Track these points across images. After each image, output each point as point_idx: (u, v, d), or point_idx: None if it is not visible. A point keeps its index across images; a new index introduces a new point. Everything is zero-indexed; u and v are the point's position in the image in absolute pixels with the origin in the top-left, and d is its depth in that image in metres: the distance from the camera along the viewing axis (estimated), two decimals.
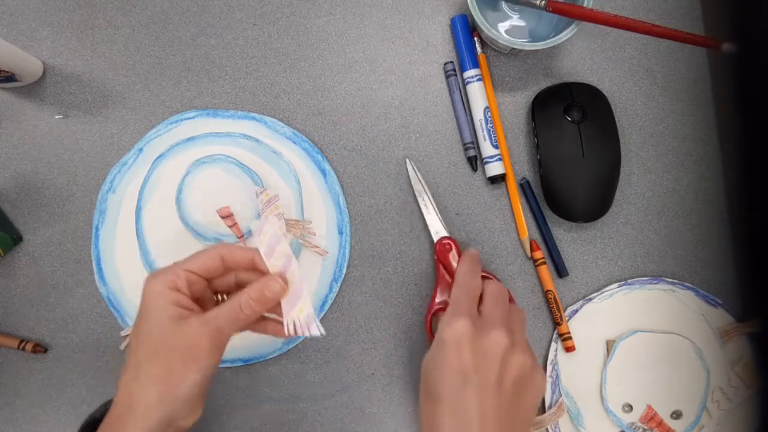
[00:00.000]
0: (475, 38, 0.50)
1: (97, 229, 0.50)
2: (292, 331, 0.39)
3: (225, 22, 0.51)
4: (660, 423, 0.47)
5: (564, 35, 0.45)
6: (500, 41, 0.45)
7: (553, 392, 0.48)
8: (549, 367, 0.49)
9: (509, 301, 0.44)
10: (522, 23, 0.50)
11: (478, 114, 0.49)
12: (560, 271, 0.49)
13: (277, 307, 0.39)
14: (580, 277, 0.50)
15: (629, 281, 0.49)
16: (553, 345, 0.49)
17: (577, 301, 0.50)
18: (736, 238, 0.49)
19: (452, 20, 0.50)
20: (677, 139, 0.51)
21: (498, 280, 0.47)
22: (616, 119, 0.49)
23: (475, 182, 0.50)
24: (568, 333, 0.48)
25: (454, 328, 0.39)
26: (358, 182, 0.50)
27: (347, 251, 0.49)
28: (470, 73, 0.49)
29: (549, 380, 0.49)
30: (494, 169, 0.49)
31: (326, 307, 0.49)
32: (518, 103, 0.51)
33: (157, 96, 0.51)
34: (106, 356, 0.49)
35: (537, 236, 0.50)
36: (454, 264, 0.47)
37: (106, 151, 0.51)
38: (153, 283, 0.37)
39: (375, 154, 0.50)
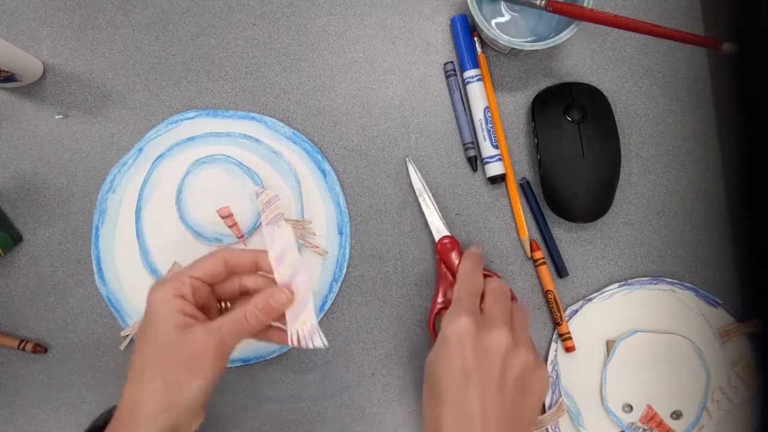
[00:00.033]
0: (475, 38, 0.50)
1: (97, 229, 0.50)
2: (295, 342, 0.39)
3: (225, 22, 0.51)
4: (660, 423, 0.47)
5: (564, 35, 0.45)
6: (500, 41, 0.45)
7: (553, 392, 0.48)
8: (549, 367, 0.49)
9: (511, 299, 0.44)
10: (522, 23, 0.50)
11: (478, 114, 0.49)
12: (560, 271, 0.49)
13: (281, 316, 0.40)
14: (580, 277, 0.50)
15: (629, 281, 0.49)
16: (553, 345, 0.49)
17: (577, 301, 0.50)
18: (736, 238, 0.49)
19: (452, 20, 0.50)
20: (677, 139, 0.51)
21: (500, 277, 0.47)
22: (616, 119, 0.49)
23: (475, 182, 0.50)
24: (568, 333, 0.48)
25: (457, 326, 0.39)
26: (358, 182, 0.50)
27: (347, 251, 0.49)
28: (470, 73, 0.50)
29: (549, 380, 0.49)
30: (494, 169, 0.49)
31: (326, 307, 0.49)
32: (518, 103, 0.51)
33: (157, 96, 0.51)
34: (106, 356, 0.49)
35: (537, 236, 0.50)
36: (456, 263, 0.47)
37: (106, 151, 0.51)
38: (158, 290, 0.37)
39: (375, 154, 0.50)
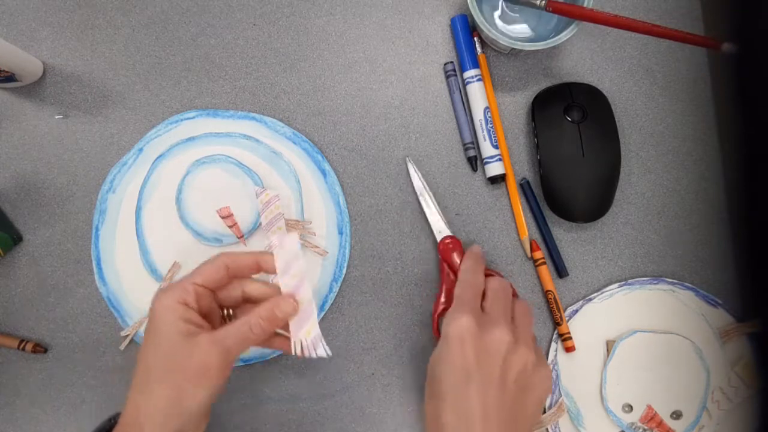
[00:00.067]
0: (475, 38, 0.50)
1: (97, 229, 0.50)
2: (299, 352, 0.39)
3: (225, 22, 0.51)
4: (660, 423, 0.47)
5: (564, 35, 0.45)
6: (500, 41, 0.45)
7: (553, 392, 0.48)
8: None
9: (513, 297, 0.44)
10: (522, 23, 0.50)
11: (478, 114, 0.49)
12: (560, 271, 0.49)
13: (285, 324, 0.40)
14: (580, 277, 0.50)
15: (629, 281, 0.49)
16: (553, 345, 0.49)
17: (577, 301, 0.50)
18: (736, 238, 0.49)
19: (452, 20, 0.50)
20: (677, 139, 0.51)
21: (502, 276, 0.47)
22: (616, 119, 0.49)
23: (475, 182, 0.50)
24: (568, 333, 0.48)
25: (458, 325, 0.39)
26: (358, 182, 0.50)
27: (347, 251, 0.49)
28: (470, 73, 0.49)
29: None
30: (494, 169, 0.49)
31: (326, 307, 0.49)
32: (518, 103, 0.51)
33: (157, 96, 0.51)
34: (106, 356, 0.49)
35: (537, 236, 0.50)
36: (458, 263, 0.47)
37: (106, 151, 0.51)
38: (162, 298, 0.37)
39: (375, 154, 0.50)
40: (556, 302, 0.49)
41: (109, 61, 0.51)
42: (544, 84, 0.51)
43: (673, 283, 0.49)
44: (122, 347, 0.49)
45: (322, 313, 0.49)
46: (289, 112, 0.51)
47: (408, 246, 0.50)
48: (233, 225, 0.48)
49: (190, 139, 0.50)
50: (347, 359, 0.49)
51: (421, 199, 0.49)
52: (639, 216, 0.50)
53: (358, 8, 0.51)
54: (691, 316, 0.49)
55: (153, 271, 0.49)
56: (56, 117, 0.51)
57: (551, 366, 0.49)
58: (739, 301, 0.49)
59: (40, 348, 0.49)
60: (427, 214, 0.49)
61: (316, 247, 0.49)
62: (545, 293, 0.49)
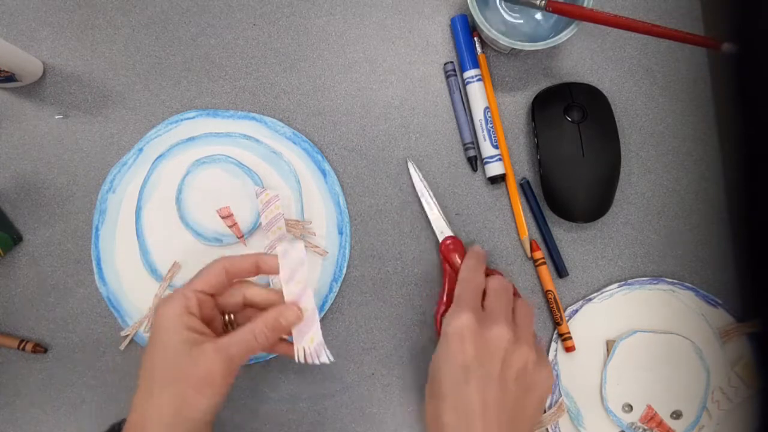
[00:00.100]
0: (475, 38, 0.50)
1: (97, 229, 0.50)
2: (302, 359, 0.40)
3: (225, 22, 0.51)
4: (660, 423, 0.47)
5: (564, 35, 0.45)
6: (500, 41, 0.45)
7: (553, 392, 0.48)
8: None
9: (514, 296, 0.44)
10: (522, 23, 0.50)
11: (478, 114, 0.49)
12: (560, 271, 0.49)
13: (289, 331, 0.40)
14: (580, 277, 0.50)
15: (629, 281, 0.49)
16: (553, 345, 0.49)
17: (577, 301, 0.50)
18: (736, 238, 0.49)
19: (452, 20, 0.50)
20: (677, 139, 0.51)
21: (503, 275, 0.47)
22: (616, 119, 0.49)
23: (475, 182, 0.50)
24: (568, 333, 0.48)
25: (458, 322, 0.39)
26: (358, 182, 0.50)
27: (347, 251, 0.49)
28: (470, 73, 0.49)
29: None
30: (494, 169, 0.49)
31: (326, 307, 0.49)
32: (518, 103, 0.51)
33: (157, 96, 0.51)
34: (106, 356, 0.49)
35: (537, 236, 0.50)
36: (460, 262, 0.47)
37: (106, 151, 0.51)
38: (166, 306, 0.38)
39: (375, 154, 0.50)
40: (556, 302, 0.49)
41: (109, 61, 0.51)
42: (544, 84, 0.51)
43: (673, 283, 0.49)
44: (122, 347, 0.49)
45: (322, 313, 0.49)
46: (289, 112, 0.51)
47: (408, 246, 0.50)
48: (233, 225, 0.48)
49: (190, 139, 0.50)
50: (347, 359, 0.49)
51: (422, 199, 0.49)
52: (639, 216, 0.50)
53: (358, 8, 0.51)
54: (691, 316, 0.49)
55: (153, 271, 0.49)
56: (56, 117, 0.51)
57: (551, 366, 0.49)
58: (739, 301, 0.49)
59: (40, 348, 0.49)
60: (429, 215, 0.49)
61: (316, 247, 0.49)
62: (545, 293, 0.49)
